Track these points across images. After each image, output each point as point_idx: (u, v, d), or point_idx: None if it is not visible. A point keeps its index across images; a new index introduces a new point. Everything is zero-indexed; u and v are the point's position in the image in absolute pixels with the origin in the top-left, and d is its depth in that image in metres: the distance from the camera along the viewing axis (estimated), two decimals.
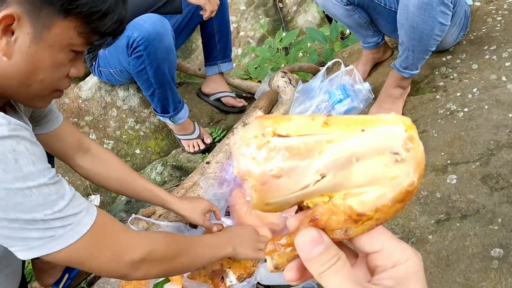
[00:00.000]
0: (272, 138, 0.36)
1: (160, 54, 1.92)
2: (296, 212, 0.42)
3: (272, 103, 2.37)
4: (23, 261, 1.24)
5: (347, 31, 3.38)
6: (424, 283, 0.38)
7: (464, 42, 2.06)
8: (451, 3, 1.59)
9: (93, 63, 2.29)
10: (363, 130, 0.35)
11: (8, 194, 0.79)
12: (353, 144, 0.35)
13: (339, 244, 0.40)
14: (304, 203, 0.38)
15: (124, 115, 2.52)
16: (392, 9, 1.96)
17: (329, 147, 0.35)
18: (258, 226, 1.51)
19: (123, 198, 2.22)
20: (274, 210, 0.39)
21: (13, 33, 0.87)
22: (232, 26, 3.63)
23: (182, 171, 2.31)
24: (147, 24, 1.86)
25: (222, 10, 2.42)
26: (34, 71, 0.92)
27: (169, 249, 1.08)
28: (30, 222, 0.82)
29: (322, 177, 0.36)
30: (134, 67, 1.97)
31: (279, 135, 0.36)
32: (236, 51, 3.66)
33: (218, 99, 2.67)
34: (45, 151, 0.93)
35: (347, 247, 0.44)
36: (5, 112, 0.99)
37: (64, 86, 1.02)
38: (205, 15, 2.12)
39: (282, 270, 0.42)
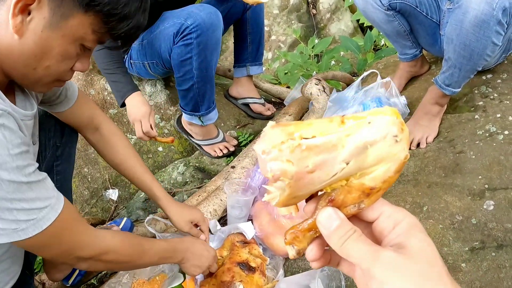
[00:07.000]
0: (301, 141, 0.42)
1: (210, 45, 1.86)
2: (307, 200, 0.50)
3: (303, 111, 2.31)
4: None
5: (381, 43, 3.30)
6: (424, 231, 0.45)
7: (506, 62, 1.98)
8: (506, 22, 1.52)
9: (125, 56, 2.25)
10: (369, 123, 0.44)
11: None
12: (365, 134, 0.43)
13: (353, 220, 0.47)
14: (324, 191, 0.47)
15: None
16: (434, 20, 1.91)
17: (349, 140, 0.43)
18: (275, 234, 1.52)
19: (141, 195, 2.18)
20: (295, 203, 0.47)
21: (29, 13, 0.88)
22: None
23: (205, 173, 2.25)
24: (203, 13, 1.81)
25: (257, 12, 2.38)
26: (42, 56, 0.92)
27: (119, 255, 1.11)
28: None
29: (347, 164, 0.44)
30: (178, 55, 1.89)
31: (305, 138, 0.43)
32: (266, 54, 3.62)
33: (246, 104, 2.62)
34: None
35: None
36: (14, 92, 1.02)
37: (67, 78, 1.04)
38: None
39: (303, 255, 0.49)
